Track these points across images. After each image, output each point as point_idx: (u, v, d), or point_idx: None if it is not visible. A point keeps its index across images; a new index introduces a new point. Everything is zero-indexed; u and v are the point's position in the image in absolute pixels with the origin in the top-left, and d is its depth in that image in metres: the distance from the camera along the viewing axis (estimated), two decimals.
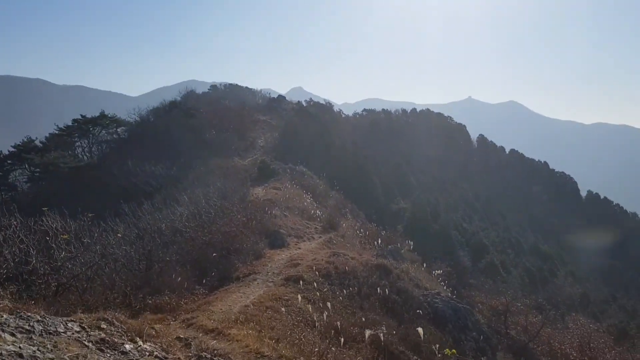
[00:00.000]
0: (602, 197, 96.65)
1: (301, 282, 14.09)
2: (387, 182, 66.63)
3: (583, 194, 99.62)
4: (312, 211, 29.35)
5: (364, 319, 12.58)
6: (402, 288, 15.52)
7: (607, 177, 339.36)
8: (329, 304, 12.23)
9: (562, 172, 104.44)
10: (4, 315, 5.73)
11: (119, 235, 14.63)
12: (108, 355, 5.32)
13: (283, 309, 12.07)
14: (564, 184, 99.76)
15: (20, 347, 4.74)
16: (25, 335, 5.26)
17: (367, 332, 9.94)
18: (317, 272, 15.07)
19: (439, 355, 12.97)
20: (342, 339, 11.13)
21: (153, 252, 15.61)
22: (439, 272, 24.28)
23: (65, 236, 11.33)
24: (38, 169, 45.56)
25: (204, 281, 14.58)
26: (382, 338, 11.55)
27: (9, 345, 4.75)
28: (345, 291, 14.34)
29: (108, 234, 15.87)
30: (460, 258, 48.50)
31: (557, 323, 25.09)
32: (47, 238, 11.28)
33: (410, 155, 79.53)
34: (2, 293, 8.87)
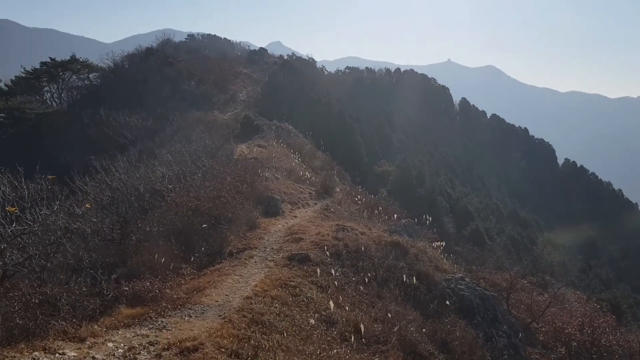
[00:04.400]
0: (578, 165, 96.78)
1: (309, 263, 11.90)
2: (370, 142, 64.49)
3: (560, 161, 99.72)
4: (301, 172, 27.10)
5: (389, 315, 10.52)
6: (422, 271, 13.47)
7: (581, 146, 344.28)
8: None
9: (541, 139, 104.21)
10: None
11: (88, 206, 12.05)
12: None
13: (290, 299, 9.92)
14: (542, 151, 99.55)
15: None
16: None
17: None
18: (327, 252, 12.88)
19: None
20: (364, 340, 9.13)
21: (129, 219, 13.15)
22: (439, 244, 22.36)
23: (12, 209, 8.77)
24: (2, 114, 42.11)
25: (191, 258, 12.25)
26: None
27: None
28: (361, 275, 12.21)
29: (76, 196, 13.35)
30: (445, 224, 47.18)
31: (565, 303, 23.73)
32: None
33: (393, 115, 77.40)
34: None
